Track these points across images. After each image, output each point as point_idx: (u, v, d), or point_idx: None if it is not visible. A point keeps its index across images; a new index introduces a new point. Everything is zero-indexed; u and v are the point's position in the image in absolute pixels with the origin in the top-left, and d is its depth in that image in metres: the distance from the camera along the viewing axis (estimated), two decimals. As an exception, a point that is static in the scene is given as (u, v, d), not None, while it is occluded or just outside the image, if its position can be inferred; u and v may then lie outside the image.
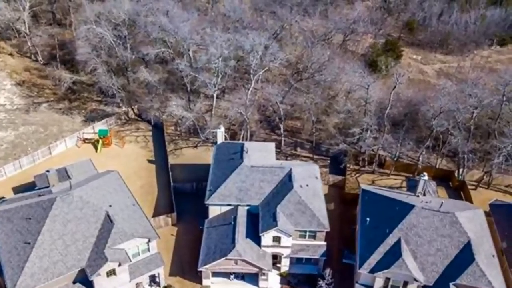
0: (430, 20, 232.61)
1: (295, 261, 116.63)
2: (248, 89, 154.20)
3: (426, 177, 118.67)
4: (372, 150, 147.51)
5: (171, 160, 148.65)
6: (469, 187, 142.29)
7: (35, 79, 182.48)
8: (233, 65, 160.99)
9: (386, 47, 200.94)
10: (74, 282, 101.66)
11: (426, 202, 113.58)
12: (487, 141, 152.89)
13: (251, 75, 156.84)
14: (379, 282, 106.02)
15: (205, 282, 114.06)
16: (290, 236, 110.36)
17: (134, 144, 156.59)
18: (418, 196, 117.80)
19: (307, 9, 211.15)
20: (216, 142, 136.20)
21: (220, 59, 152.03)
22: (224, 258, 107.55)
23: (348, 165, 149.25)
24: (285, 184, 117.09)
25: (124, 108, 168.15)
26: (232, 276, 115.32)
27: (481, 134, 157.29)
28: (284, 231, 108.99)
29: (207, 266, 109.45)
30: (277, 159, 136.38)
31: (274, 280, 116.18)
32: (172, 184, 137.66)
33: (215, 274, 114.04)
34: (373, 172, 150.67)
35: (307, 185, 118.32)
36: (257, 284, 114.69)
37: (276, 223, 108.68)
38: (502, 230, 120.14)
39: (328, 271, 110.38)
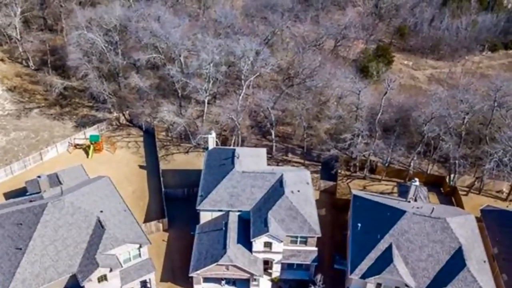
0: (421, 26, 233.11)
1: (287, 267, 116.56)
2: (239, 95, 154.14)
3: (417, 183, 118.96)
4: (364, 155, 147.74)
5: (163, 165, 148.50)
6: (460, 192, 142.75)
7: (26, 85, 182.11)
8: (224, 70, 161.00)
9: (377, 52, 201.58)
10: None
11: (417, 207, 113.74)
12: (478, 146, 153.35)
13: (242, 81, 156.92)
14: (370, 287, 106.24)
15: (196, 287, 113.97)
16: (281, 241, 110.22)
17: (125, 150, 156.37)
18: (409, 201, 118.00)
19: (298, 15, 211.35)
20: (207, 148, 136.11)
21: (211, 64, 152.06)
22: (215, 264, 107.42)
23: (339, 171, 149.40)
24: (276, 190, 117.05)
25: (115, 114, 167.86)
26: (223, 282, 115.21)
27: (472, 139, 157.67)
28: (275, 236, 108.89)
29: (198, 272, 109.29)
30: (268, 164, 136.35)
31: (265, 285, 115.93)
32: (163, 189, 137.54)
33: (206, 279, 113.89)
34: (364, 178, 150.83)
35: (298, 191, 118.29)
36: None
37: (267, 229, 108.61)
38: (493, 235, 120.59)
39: (319, 277, 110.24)
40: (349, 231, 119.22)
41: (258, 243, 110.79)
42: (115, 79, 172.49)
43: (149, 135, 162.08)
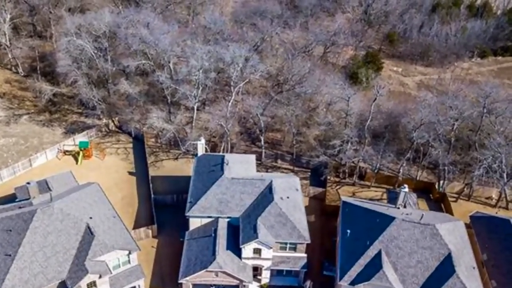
0: (410, 32, 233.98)
1: (276, 273, 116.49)
2: (229, 101, 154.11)
3: (406, 189, 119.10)
4: (353, 162, 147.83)
5: (152, 172, 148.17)
6: (450, 199, 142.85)
7: (16, 91, 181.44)
8: (214, 77, 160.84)
9: (366, 59, 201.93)
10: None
11: (407, 214, 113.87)
12: (468, 153, 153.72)
13: (232, 87, 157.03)
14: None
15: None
16: (271, 248, 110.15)
17: (114, 156, 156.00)
18: (398, 208, 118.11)
19: (287, 21, 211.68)
20: (196, 154, 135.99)
21: (200, 71, 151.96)
22: (204, 270, 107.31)
23: (328, 177, 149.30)
24: (266, 196, 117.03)
25: (104, 120, 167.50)
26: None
27: (461, 146, 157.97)
28: (264, 243, 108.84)
29: (187, 278, 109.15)
30: (258, 171, 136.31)
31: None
32: (152, 196, 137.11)
33: (196, 286, 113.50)
34: (353, 184, 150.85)
35: (288, 197, 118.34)
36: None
37: (256, 235, 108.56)
38: (482, 242, 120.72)
39: (308, 283, 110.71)
40: (339, 237, 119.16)
41: (247, 250, 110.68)
42: (104, 85, 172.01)
43: (138, 141, 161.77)
